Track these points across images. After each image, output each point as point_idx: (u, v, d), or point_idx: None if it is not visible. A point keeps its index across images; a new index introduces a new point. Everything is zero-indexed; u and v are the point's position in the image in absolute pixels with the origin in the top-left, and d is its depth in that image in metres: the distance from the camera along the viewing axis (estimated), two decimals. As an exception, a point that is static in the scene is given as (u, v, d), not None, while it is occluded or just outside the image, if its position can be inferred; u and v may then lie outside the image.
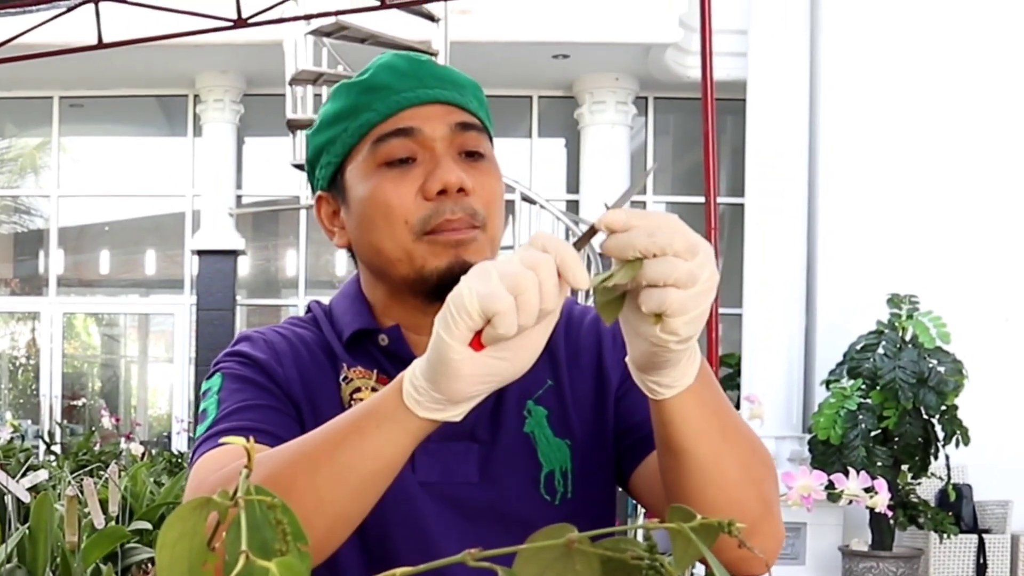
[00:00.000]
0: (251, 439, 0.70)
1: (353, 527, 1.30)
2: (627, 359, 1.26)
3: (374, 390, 1.56)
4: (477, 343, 1.13)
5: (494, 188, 1.58)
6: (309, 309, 1.73)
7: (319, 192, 1.67)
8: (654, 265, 1.13)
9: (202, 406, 1.56)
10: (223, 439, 1.39)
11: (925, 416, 9.13)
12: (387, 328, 1.62)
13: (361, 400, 1.51)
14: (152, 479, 6.88)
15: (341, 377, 1.60)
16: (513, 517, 1.56)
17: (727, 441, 1.35)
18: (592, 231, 1.18)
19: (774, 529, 1.42)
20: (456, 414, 1.21)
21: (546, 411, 1.61)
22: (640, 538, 0.75)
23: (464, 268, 1.45)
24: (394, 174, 1.55)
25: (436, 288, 1.53)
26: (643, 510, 2.53)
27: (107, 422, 11.81)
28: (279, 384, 1.56)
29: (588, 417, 1.63)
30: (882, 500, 2.95)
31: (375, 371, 1.61)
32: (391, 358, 1.61)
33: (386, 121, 1.56)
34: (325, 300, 1.74)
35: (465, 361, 1.14)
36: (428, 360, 1.17)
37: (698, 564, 1.34)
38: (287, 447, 1.32)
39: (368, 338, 1.62)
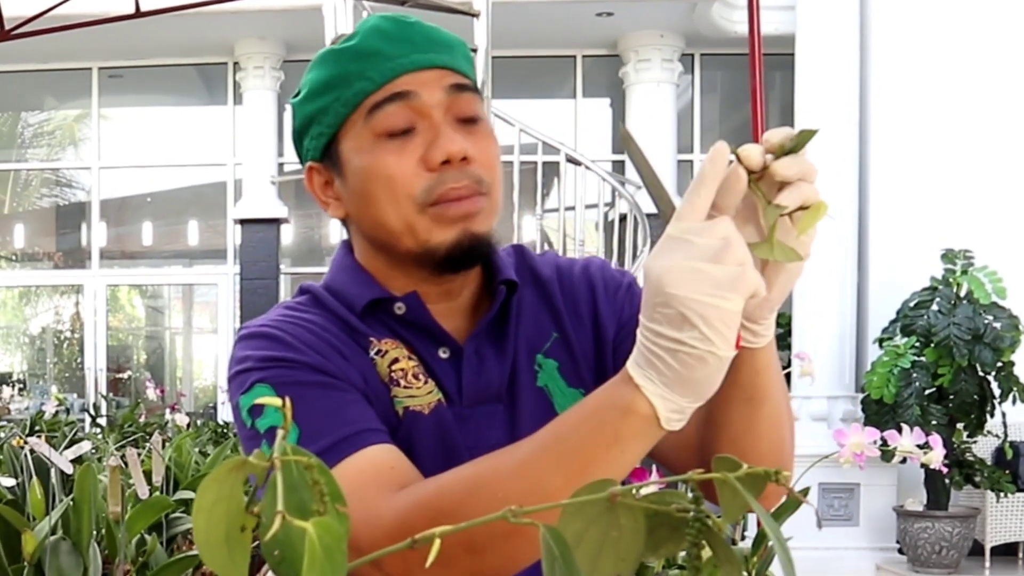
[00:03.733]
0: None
1: None
2: (745, 311, 1.22)
3: (410, 359, 1.56)
4: (739, 336, 1.11)
5: (493, 152, 1.57)
6: (302, 291, 1.66)
7: (309, 163, 1.62)
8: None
9: (261, 424, 1.43)
10: (348, 457, 1.37)
11: (981, 373, 9.03)
12: (404, 296, 1.58)
13: (401, 370, 1.54)
14: (197, 449, 6.87)
15: (373, 351, 1.55)
16: None
17: (783, 384, 1.41)
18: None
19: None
20: None
21: (556, 363, 1.62)
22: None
23: (472, 240, 1.53)
24: (394, 145, 1.51)
25: (444, 260, 1.54)
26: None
27: (152, 394, 11.86)
28: (336, 376, 1.47)
29: (593, 366, 1.64)
30: (936, 456, 2.86)
31: (399, 340, 1.57)
32: (408, 326, 1.58)
33: (380, 89, 1.52)
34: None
35: (731, 356, 1.12)
36: (685, 379, 1.11)
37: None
38: (475, 476, 1.27)
39: (381, 308, 1.59)
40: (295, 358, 1.47)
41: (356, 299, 1.58)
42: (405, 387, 1.54)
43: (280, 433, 0.67)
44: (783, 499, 1.48)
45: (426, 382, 1.55)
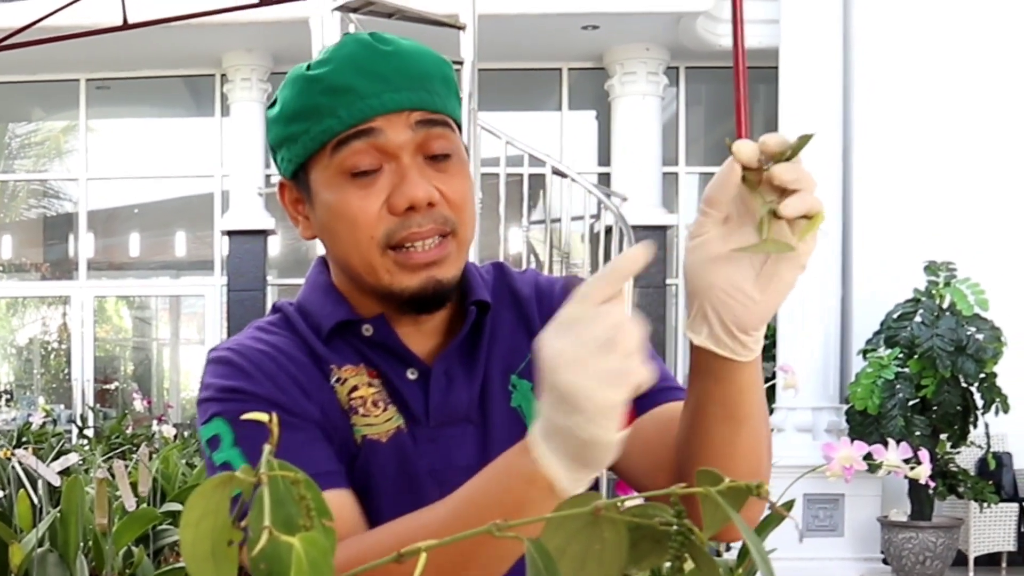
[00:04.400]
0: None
1: None
2: (736, 316, 1.26)
3: (369, 385, 1.55)
4: (630, 417, 1.13)
5: (462, 189, 1.54)
6: (276, 309, 1.66)
7: (281, 179, 1.62)
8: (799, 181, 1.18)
9: (217, 458, 1.45)
10: None
11: (964, 384, 9.07)
12: (371, 318, 1.57)
13: (360, 398, 1.53)
14: (184, 461, 6.86)
15: (334, 380, 1.55)
16: None
17: (765, 407, 1.40)
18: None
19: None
20: None
21: (531, 383, 1.60)
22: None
23: (437, 286, 1.52)
24: (358, 185, 1.50)
25: (408, 304, 1.53)
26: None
27: (139, 405, 11.85)
28: (292, 411, 1.48)
29: None
30: (924, 471, 2.90)
31: (361, 364, 1.57)
32: (376, 348, 1.57)
33: (349, 128, 1.50)
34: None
35: (620, 435, 1.11)
36: (578, 456, 1.11)
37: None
38: (395, 539, 1.27)
39: (349, 329, 1.58)
40: (253, 391, 1.48)
41: (324, 320, 1.58)
42: (363, 415, 1.53)
43: (267, 448, 0.68)
44: (766, 513, 1.48)
45: (385, 409, 1.54)
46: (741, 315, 1.24)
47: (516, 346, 1.63)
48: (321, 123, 1.50)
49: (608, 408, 1.06)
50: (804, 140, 1.14)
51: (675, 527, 0.74)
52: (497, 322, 1.63)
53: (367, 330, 1.57)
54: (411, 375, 1.57)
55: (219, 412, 1.47)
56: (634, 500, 0.78)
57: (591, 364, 1.06)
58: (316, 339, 1.57)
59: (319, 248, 1.71)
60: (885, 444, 2.90)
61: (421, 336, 1.60)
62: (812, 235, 1.18)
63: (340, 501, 1.41)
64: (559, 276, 1.77)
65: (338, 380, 1.55)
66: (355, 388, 1.54)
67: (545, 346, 1.09)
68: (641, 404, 1.54)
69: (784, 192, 1.17)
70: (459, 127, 1.58)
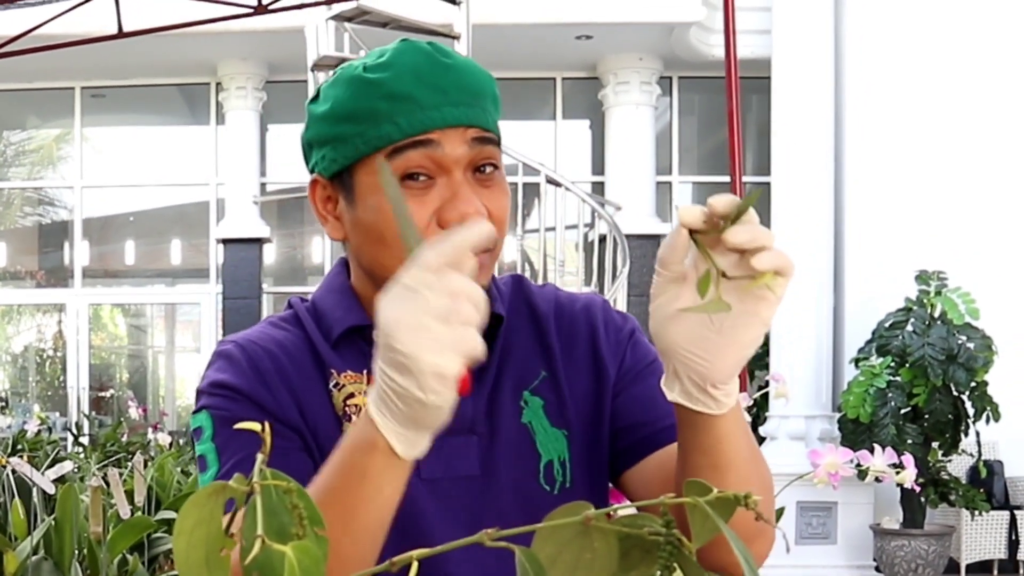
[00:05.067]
0: None
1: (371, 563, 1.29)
2: (699, 373, 1.25)
3: (366, 395, 1.53)
4: (463, 385, 1.12)
5: (505, 207, 1.55)
6: (290, 305, 1.66)
7: (316, 176, 1.62)
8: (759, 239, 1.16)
9: (198, 450, 1.50)
10: None
11: (955, 393, 9.09)
12: None
13: (355, 406, 1.54)
14: (179, 469, 6.87)
15: (332, 384, 1.56)
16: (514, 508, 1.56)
17: (754, 451, 1.39)
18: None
19: (772, 532, 1.45)
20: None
21: (542, 401, 1.61)
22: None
23: None
24: (411, 193, 1.48)
25: None
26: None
27: (134, 413, 11.83)
28: (274, 415, 1.50)
29: (584, 409, 1.62)
30: (909, 476, 2.91)
31: (364, 372, 1.57)
32: None
33: (407, 137, 1.49)
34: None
35: (453, 399, 1.13)
36: (410, 417, 1.15)
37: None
38: None
39: (360, 334, 1.58)
40: (242, 389, 1.50)
41: (336, 324, 1.58)
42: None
43: (260, 458, 0.70)
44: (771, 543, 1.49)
45: None
46: (707, 372, 1.24)
47: (530, 362, 1.62)
48: (379, 128, 1.49)
49: (440, 375, 1.09)
50: (751, 199, 1.13)
51: (664, 537, 0.75)
52: (511, 336, 1.63)
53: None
54: None
55: (206, 405, 1.51)
56: (626, 509, 0.80)
57: (428, 331, 1.08)
58: (323, 341, 1.58)
59: (315, 256, 1.71)
60: (874, 452, 2.93)
61: None
62: (780, 291, 1.17)
63: None
64: (580, 293, 1.76)
65: (336, 385, 1.55)
66: (351, 395, 1.55)
67: (386, 311, 1.11)
68: (649, 442, 1.55)
69: (743, 252, 1.16)
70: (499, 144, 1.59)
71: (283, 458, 1.47)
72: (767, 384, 3.68)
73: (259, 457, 0.70)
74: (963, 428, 9.19)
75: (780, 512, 3.32)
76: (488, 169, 1.53)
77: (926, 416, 9.12)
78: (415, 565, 0.73)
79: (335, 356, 1.57)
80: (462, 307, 1.09)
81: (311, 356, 1.57)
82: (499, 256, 1.57)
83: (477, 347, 1.10)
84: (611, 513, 0.79)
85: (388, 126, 1.49)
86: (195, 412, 1.52)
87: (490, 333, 1.58)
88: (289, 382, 1.53)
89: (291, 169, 13.45)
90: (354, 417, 1.53)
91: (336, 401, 1.55)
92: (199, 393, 1.54)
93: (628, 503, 1.99)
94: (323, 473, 1.26)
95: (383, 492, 1.22)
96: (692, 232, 1.17)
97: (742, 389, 1.33)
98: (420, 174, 1.49)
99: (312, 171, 1.62)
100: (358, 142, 1.52)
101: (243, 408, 1.50)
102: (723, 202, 1.15)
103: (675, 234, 1.18)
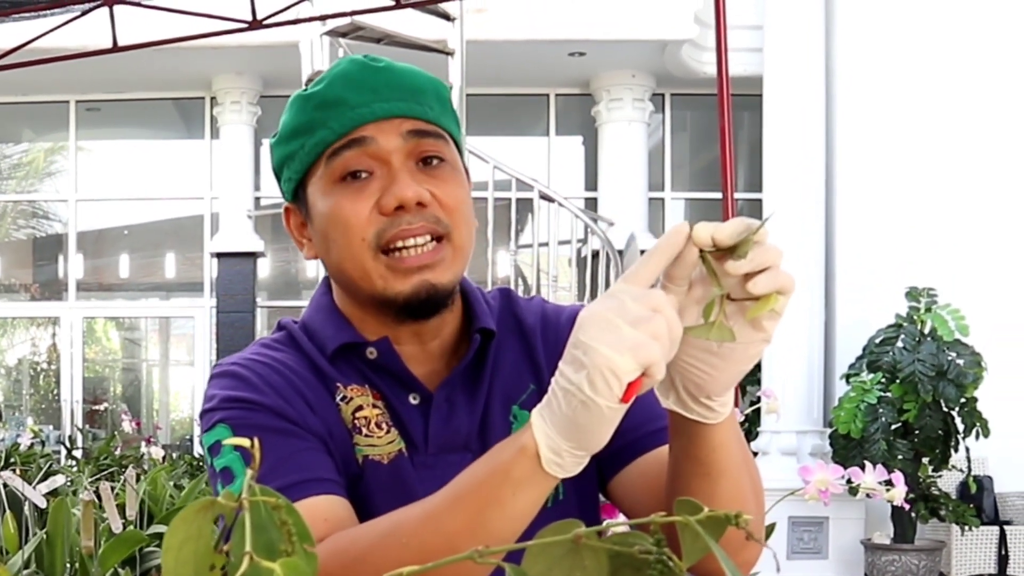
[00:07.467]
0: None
1: None
2: (697, 384, 1.26)
3: (374, 407, 1.56)
4: (628, 394, 1.12)
5: (456, 194, 1.55)
6: (281, 327, 1.67)
7: (286, 203, 1.65)
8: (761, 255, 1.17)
9: (218, 464, 1.48)
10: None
11: (945, 409, 9.12)
12: (376, 341, 1.58)
13: (364, 418, 1.54)
14: (172, 483, 6.86)
15: (339, 397, 1.56)
16: None
17: (747, 459, 1.40)
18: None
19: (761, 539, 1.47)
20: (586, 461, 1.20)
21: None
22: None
23: (431, 290, 1.51)
24: (351, 190, 1.52)
25: (403, 309, 1.53)
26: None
27: (128, 426, 11.81)
28: (295, 422, 1.50)
29: None
30: (899, 493, 2.94)
31: (366, 385, 1.58)
32: (379, 371, 1.58)
33: (340, 137, 1.53)
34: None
35: (617, 413, 1.14)
36: (569, 421, 1.15)
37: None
38: (388, 523, 1.31)
39: (353, 352, 1.59)
40: (258, 400, 1.49)
41: (328, 341, 1.58)
42: (366, 436, 1.54)
43: (249, 473, 0.69)
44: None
45: (388, 431, 1.55)
46: (705, 383, 1.24)
47: (519, 376, 1.62)
48: (314, 136, 1.53)
49: (613, 371, 1.09)
50: (754, 233, 1.16)
51: (654, 556, 0.75)
52: (501, 351, 1.63)
53: (371, 353, 1.57)
54: (413, 400, 1.57)
55: (223, 419, 1.49)
56: (617, 526, 0.81)
57: (618, 330, 1.10)
58: (321, 357, 1.58)
59: (309, 270, 1.73)
60: (864, 468, 2.96)
61: (425, 359, 1.60)
62: (781, 308, 1.19)
63: (335, 504, 1.43)
64: (566, 304, 1.77)
65: (344, 399, 1.55)
66: (360, 408, 1.55)
67: (585, 309, 1.14)
68: (634, 448, 1.56)
69: (747, 276, 1.17)
70: (458, 147, 1.60)
71: (315, 455, 1.48)
72: (759, 399, 3.70)
73: (248, 472, 0.70)
74: (953, 444, 9.22)
75: (771, 528, 3.34)
76: (434, 161, 1.54)
77: (916, 432, 9.14)
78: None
79: (336, 371, 1.58)
80: (656, 321, 1.11)
81: (313, 372, 1.57)
82: (467, 252, 1.57)
83: (658, 362, 1.10)
84: (601, 532, 0.79)
85: (322, 131, 1.53)
86: (208, 430, 1.51)
87: (482, 348, 1.61)
88: (303, 394, 1.53)
89: (285, 184, 13.47)
90: (364, 430, 1.54)
91: (345, 414, 1.55)
92: (209, 412, 1.53)
93: (619, 520, 2.01)
94: (468, 469, 1.27)
95: (518, 501, 1.21)
96: (701, 250, 1.18)
97: (735, 405, 1.34)
98: (361, 172, 1.52)
99: (285, 201, 1.65)
100: (301, 155, 1.56)
101: (264, 417, 1.49)
102: (726, 233, 1.16)
103: (685, 251, 1.18)
